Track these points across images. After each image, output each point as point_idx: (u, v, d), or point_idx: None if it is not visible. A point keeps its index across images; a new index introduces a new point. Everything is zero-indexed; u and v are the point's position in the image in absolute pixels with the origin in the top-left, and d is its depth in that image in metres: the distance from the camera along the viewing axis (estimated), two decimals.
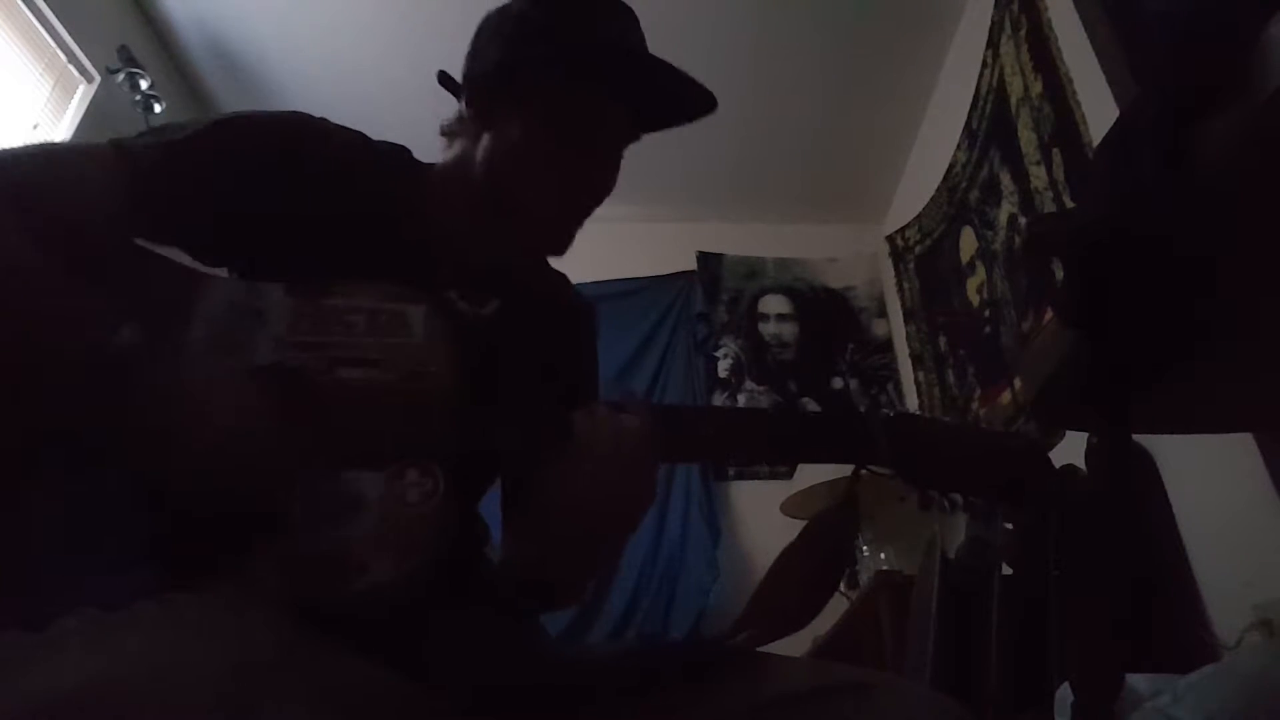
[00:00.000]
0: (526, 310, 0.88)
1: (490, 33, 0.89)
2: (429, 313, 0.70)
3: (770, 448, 0.74)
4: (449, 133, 0.92)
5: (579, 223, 0.89)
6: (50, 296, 0.61)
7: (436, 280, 0.80)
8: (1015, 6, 2.62)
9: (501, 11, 0.89)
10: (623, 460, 0.67)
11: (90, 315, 0.61)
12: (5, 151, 0.70)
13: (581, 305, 1.01)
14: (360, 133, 0.88)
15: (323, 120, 0.86)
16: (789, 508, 2.86)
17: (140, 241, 0.73)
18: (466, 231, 0.87)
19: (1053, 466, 0.74)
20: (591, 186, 0.88)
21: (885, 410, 3.45)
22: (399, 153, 0.91)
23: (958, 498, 0.74)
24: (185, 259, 0.76)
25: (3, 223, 0.62)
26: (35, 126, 2.55)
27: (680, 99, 0.88)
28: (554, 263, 0.98)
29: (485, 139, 0.86)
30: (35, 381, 0.58)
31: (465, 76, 0.90)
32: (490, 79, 0.87)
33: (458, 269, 0.84)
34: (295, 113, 0.85)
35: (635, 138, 0.91)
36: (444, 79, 0.91)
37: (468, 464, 0.70)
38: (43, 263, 0.62)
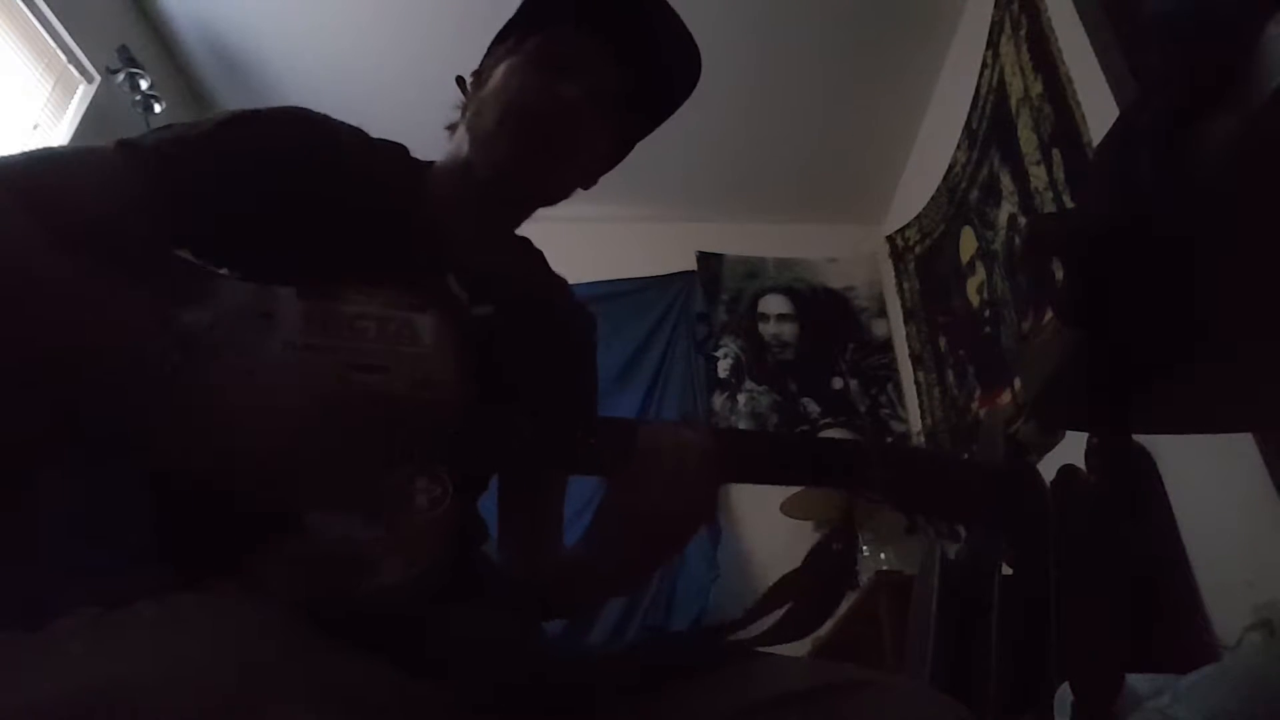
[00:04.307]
0: (525, 313, 0.88)
1: None
2: (437, 321, 0.70)
3: (769, 473, 0.75)
4: (452, 125, 0.93)
5: (543, 163, 0.85)
6: (69, 295, 0.62)
7: (438, 278, 0.80)
8: (1015, 6, 2.62)
9: None
10: (685, 476, 0.68)
11: (122, 315, 0.62)
12: (9, 157, 0.70)
13: (581, 312, 1.01)
14: (359, 129, 0.88)
15: (324, 116, 0.86)
16: (789, 508, 2.86)
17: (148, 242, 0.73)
18: (467, 231, 0.87)
19: (1033, 498, 0.75)
20: (560, 116, 0.83)
21: (880, 415, 3.46)
22: (398, 151, 0.91)
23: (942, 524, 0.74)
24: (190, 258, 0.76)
25: (17, 225, 0.62)
26: (35, 126, 2.55)
27: (670, 61, 0.89)
28: (553, 265, 0.98)
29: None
30: (52, 379, 0.59)
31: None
32: (489, 48, 0.90)
33: (458, 269, 0.84)
34: (298, 108, 0.85)
35: (618, 98, 0.88)
36: (461, 83, 0.93)
37: (470, 465, 0.70)
38: (58, 260, 0.62)
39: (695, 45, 0.89)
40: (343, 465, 0.62)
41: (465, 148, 0.87)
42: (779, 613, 0.73)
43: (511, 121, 0.83)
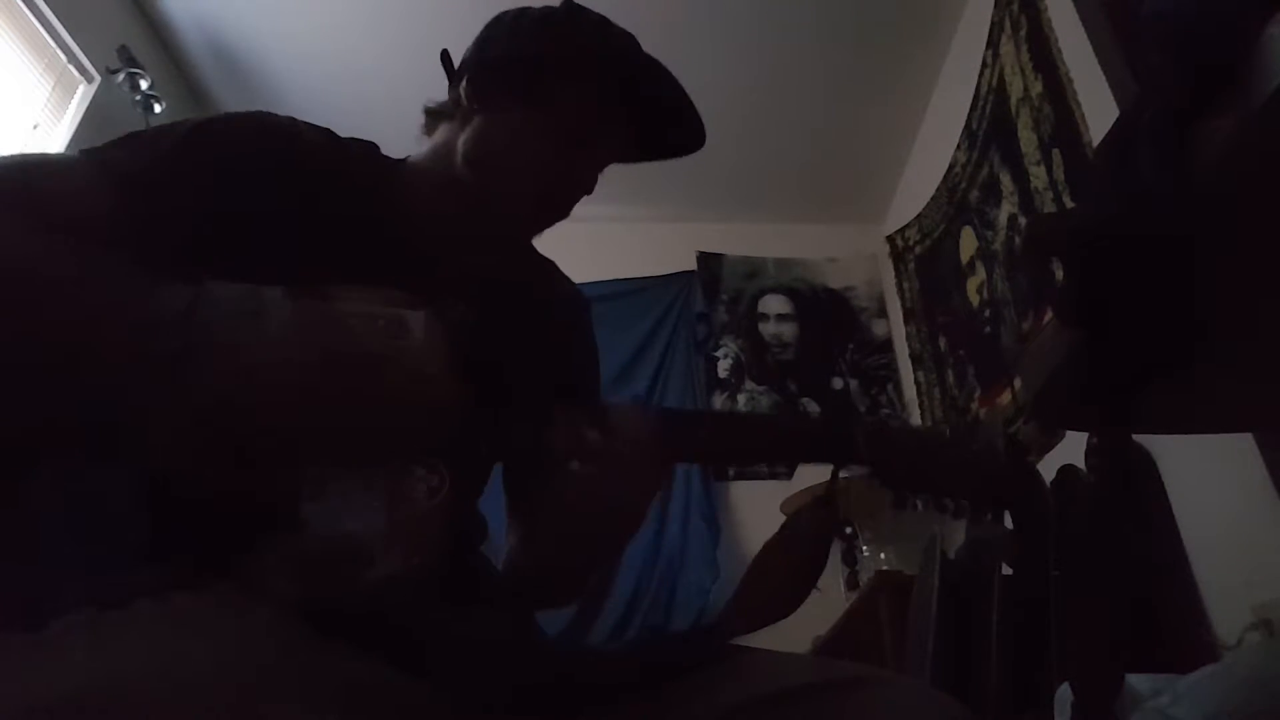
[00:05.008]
0: (512, 305, 0.88)
1: (507, 26, 0.91)
2: (428, 317, 0.70)
3: (760, 450, 0.77)
4: (435, 112, 0.92)
5: (549, 219, 0.91)
6: (72, 289, 0.62)
7: (422, 279, 0.80)
8: (1015, 6, 2.62)
9: (520, 11, 0.91)
10: (629, 459, 0.70)
11: (118, 310, 0.61)
12: None
13: (571, 294, 1.01)
14: (327, 129, 0.88)
15: (290, 119, 0.85)
16: (789, 508, 2.86)
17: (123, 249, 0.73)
18: (446, 226, 0.87)
19: (1025, 480, 0.76)
20: (572, 186, 0.89)
21: (880, 414, 3.46)
22: (369, 149, 0.91)
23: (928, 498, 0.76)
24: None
25: (10, 225, 0.62)
26: (35, 126, 2.55)
27: (678, 128, 0.94)
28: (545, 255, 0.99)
29: (477, 121, 0.87)
30: (55, 375, 0.59)
31: (473, 60, 0.91)
32: (503, 64, 0.88)
33: (440, 265, 0.84)
34: (263, 112, 0.84)
35: (624, 157, 0.94)
36: (445, 58, 0.92)
37: (467, 461, 0.70)
38: (58, 256, 0.62)
39: (701, 121, 0.94)
40: (333, 460, 0.62)
41: (458, 166, 0.87)
42: (764, 595, 0.74)
43: (527, 193, 0.87)
